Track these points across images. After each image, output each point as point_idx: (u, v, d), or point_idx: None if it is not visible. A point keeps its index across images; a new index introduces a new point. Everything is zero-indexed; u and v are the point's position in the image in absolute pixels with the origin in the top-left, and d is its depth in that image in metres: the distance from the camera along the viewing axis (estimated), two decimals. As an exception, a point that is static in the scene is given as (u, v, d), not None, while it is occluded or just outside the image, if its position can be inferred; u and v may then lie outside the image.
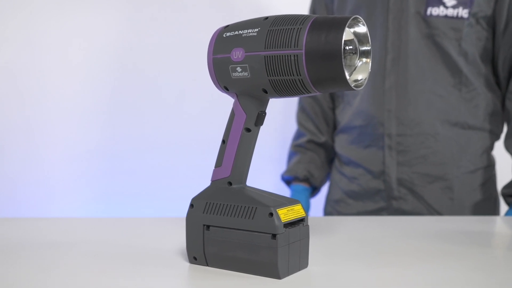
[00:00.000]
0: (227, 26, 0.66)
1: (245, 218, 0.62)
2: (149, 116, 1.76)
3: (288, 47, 0.59)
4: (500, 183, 1.30)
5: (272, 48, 0.60)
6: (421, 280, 0.63)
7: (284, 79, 0.60)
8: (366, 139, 1.29)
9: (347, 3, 1.31)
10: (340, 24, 0.57)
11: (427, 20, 1.21)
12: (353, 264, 0.69)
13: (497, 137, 1.30)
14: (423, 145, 1.24)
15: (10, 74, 1.70)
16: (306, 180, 1.39)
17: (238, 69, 0.63)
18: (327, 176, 1.45)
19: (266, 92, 0.63)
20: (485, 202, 1.27)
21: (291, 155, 1.45)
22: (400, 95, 1.24)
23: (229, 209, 0.64)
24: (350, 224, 1.00)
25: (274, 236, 0.60)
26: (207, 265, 0.66)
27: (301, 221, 0.64)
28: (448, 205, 1.25)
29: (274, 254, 0.60)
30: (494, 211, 1.30)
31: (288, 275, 0.62)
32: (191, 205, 0.67)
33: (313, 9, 1.42)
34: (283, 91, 0.61)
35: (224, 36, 0.64)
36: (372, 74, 1.22)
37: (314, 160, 1.41)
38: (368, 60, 0.61)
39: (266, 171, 1.72)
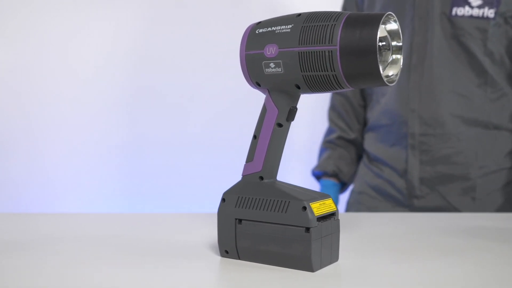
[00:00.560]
0: (259, 22, 0.66)
1: (278, 211, 0.63)
2: (151, 116, 1.76)
3: (322, 43, 0.59)
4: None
5: (306, 44, 0.60)
6: (452, 273, 0.63)
7: (317, 75, 0.61)
8: (391, 138, 1.30)
9: (376, 3, 1.32)
10: (374, 21, 0.57)
11: (452, 20, 1.22)
12: (382, 258, 0.69)
13: (523, 138, 1.30)
14: (445, 144, 1.24)
15: (10, 74, 1.70)
16: (335, 175, 1.40)
17: (272, 65, 0.64)
18: (356, 172, 1.46)
19: (298, 87, 0.63)
20: (508, 203, 1.26)
21: (321, 151, 1.47)
22: (424, 95, 1.24)
23: (261, 203, 0.65)
24: (376, 220, 1.00)
25: (307, 229, 0.61)
26: (239, 259, 0.67)
27: (332, 215, 0.65)
28: (470, 205, 1.24)
29: (307, 247, 0.61)
30: (517, 212, 1.29)
31: (320, 268, 0.63)
32: (223, 199, 0.68)
33: (344, 7, 1.43)
34: (316, 86, 0.62)
35: (257, 32, 0.65)
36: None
37: (344, 156, 1.42)
38: (400, 56, 0.62)
39: (295, 166, 1.73)
